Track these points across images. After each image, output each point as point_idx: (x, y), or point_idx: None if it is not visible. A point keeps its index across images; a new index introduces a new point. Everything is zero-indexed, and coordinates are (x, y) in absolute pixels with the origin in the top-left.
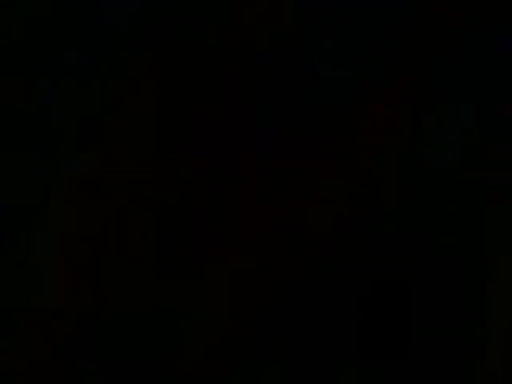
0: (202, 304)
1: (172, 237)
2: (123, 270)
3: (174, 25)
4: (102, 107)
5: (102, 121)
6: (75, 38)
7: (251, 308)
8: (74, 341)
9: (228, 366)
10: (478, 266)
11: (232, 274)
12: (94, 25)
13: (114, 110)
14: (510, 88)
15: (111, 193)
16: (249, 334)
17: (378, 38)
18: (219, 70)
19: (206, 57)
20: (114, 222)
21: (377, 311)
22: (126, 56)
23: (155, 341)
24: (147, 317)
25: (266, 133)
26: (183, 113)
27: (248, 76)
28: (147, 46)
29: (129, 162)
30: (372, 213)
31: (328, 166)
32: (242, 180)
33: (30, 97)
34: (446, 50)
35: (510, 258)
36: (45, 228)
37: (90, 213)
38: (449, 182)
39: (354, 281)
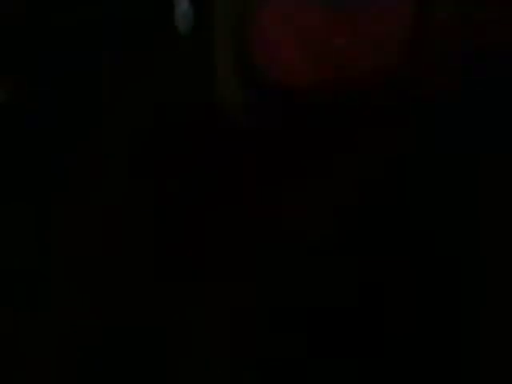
0: (202, 304)
1: (172, 236)
2: (121, 270)
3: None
4: (94, 107)
5: (94, 121)
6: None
7: (251, 308)
8: (75, 340)
9: (228, 366)
10: (477, 263)
11: (232, 276)
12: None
13: (107, 110)
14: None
15: (109, 193)
16: (249, 334)
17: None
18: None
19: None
20: (112, 223)
21: (376, 311)
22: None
23: (155, 341)
24: (147, 317)
25: (265, 133)
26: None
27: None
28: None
29: (125, 161)
30: (372, 214)
31: (328, 167)
32: (242, 179)
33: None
34: (447, 49)
35: (508, 255)
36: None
37: (89, 216)
38: (449, 181)
39: (354, 280)
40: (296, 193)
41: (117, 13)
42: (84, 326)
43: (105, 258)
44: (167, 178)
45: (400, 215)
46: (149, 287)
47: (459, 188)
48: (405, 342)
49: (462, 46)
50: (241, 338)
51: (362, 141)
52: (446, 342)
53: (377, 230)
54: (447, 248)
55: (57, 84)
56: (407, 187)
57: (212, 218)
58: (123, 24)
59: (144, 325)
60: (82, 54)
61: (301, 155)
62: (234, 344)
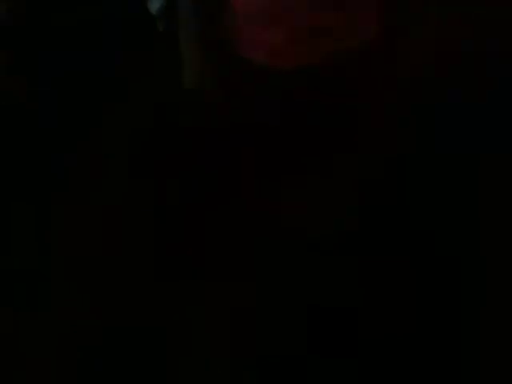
0: (202, 304)
1: (172, 236)
2: (121, 270)
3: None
4: (94, 107)
5: (94, 121)
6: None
7: (251, 308)
8: (75, 340)
9: (228, 366)
10: (477, 263)
11: (232, 275)
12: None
13: (107, 110)
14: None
15: (108, 193)
16: (249, 334)
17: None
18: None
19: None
20: (112, 223)
21: (376, 311)
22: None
23: (155, 341)
24: (147, 317)
25: (264, 130)
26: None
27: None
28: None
29: (125, 161)
30: (372, 214)
31: (328, 166)
32: (242, 176)
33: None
34: (447, 49)
35: (508, 255)
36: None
37: (89, 216)
38: (449, 181)
39: (354, 280)
40: (296, 191)
41: (117, 13)
42: (84, 326)
43: (105, 258)
44: (167, 178)
45: (400, 215)
46: (149, 287)
47: (459, 188)
48: (405, 341)
49: (461, 46)
50: (241, 337)
51: (362, 141)
52: (446, 342)
53: (377, 229)
54: (447, 248)
55: (57, 84)
56: (407, 187)
57: (212, 217)
58: (123, 24)
59: (144, 325)
60: (82, 54)
61: (301, 155)
62: (234, 344)
